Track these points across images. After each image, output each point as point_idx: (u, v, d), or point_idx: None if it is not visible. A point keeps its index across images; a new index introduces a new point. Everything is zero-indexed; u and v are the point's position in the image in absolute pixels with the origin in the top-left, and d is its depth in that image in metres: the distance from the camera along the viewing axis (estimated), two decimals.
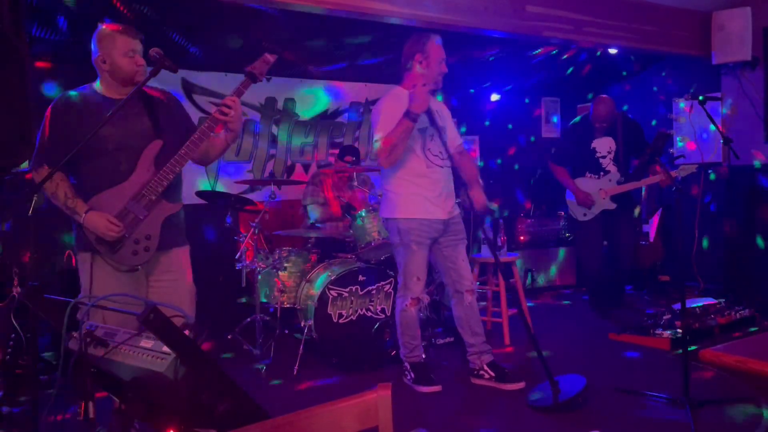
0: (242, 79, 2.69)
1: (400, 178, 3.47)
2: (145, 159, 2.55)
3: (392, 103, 3.40)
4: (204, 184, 5.22)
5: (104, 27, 2.57)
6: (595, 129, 5.03)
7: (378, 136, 3.34)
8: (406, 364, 3.62)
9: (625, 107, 6.58)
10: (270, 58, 2.72)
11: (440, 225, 3.49)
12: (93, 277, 2.53)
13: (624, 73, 6.69)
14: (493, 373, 3.54)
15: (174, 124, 2.69)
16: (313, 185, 4.94)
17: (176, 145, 2.57)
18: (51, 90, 4.59)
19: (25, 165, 2.68)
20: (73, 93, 2.58)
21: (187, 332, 1.59)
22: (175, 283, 2.67)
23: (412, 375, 3.58)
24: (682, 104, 5.98)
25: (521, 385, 3.42)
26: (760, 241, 5.51)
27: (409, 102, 3.21)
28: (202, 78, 5.16)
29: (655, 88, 6.47)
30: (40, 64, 4.57)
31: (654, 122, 6.36)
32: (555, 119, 7.25)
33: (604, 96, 5.04)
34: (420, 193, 3.44)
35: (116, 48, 2.54)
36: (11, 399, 3.23)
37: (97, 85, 2.62)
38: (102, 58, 2.55)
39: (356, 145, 5.88)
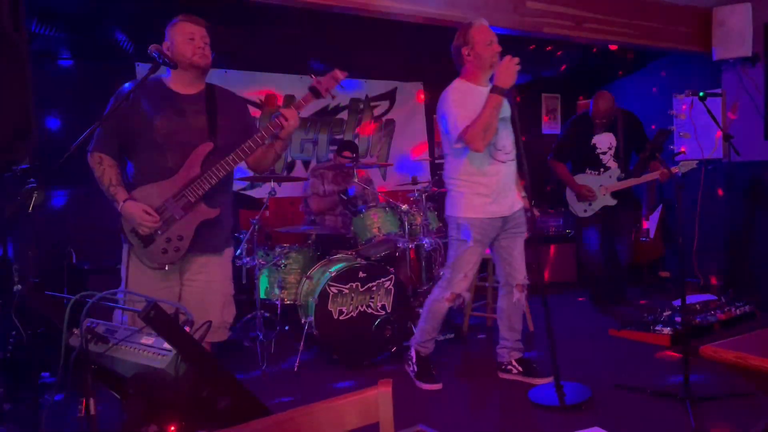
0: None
1: (462, 176, 3.38)
2: (193, 159, 2.54)
3: (457, 94, 3.33)
4: None
5: (175, 19, 2.63)
6: (595, 125, 5.03)
7: (461, 125, 3.21)
8: (413, 352, 3.61)
9: (625, 103, 6.57)
10: (340, 75, 2.69)
11: (500, 222, 3.42)
12: (129, 270, 2.56)
13: (624, 70, 6.68)
14: (521, 368, 3.54)
15: (232, 128, 2.66)
16: (315, 177, 4.95)
17: (229, 150, 2.57)
18: (51, 87, 4.59)
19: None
20: (138, 81, 2.59)
21: (187, 329, 1.60)
22: (208, 284, 2.67)
23: (416, 368, 3.58)
24: (683, 100, 5.97)
25: (549, 379, 3.37)
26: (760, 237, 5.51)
27: (495, 77, 3.12)
28: None
29: (655, 85, 6.46)
30: (39, 60, 4.57)
31: (654, 118, 6.35)
32: (555, 116, 7.25)
33: (604, 92, 5.04)
34: (481, 192, 3.35)
35: (178, 33, 2.59)
36: (12, 396, 3.23)
37: (166, 77, 2.64)
38: (166, 46, 2.60)
39: (356, 141, 5.88)
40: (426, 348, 3.61)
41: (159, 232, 2.50)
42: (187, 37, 2.57)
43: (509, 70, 3.10)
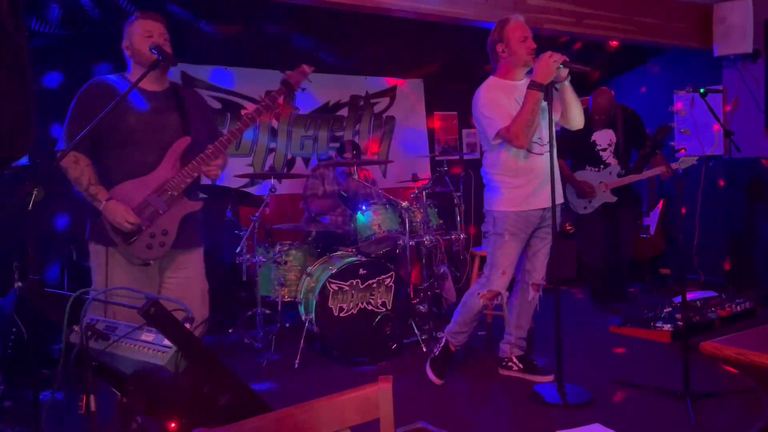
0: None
1: (500, 171, 3.37)
2: (171, 154, 2.56)
3: (490, 92, 3.33)
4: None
5: (132, 16, 2.62)
6: (595, 122, 5.02)
7: (499, 123, 3.21)
8: (443, 341, 3.59)
9: (625, 100, 6.56)
10: (307, 69, 2.72)
11: (539, 214, 3.37)
12: (108, 270, 2.54)
13: (624, 66, 6.66)
14: (521, 365, 3.54)
15: (203, 124, 2.71)
16: (314, 178, 4.94)
17: (203, 144, 2.59)
18: (51, 83, 4.58)
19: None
20: (102, 79, 2.60)
21: (187, 326, 1.60)
22: (187, 280, 2.68)
23: (436, 354, 3.58)
24: (683, 97, 5.96)
25: (550, 378, 3.38)
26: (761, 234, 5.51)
27: (534, 73, 3.12)
28: (202, 71, 5.14)
29: (655, 81, 6.44)
30: (38, 57, 4.56)
31: (654, 115, 6.34)
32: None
33: (603, 88, 5.03)
34: (519, 185, 3.33)
35: (136, 32, 2.58)
36: (13, 393, 3.23)
37: (129, 73, 2.64)
38: (126, 44, 2.60)
39: (356, 139, 5.87)
40: (456, 340, 3.57)
41: (143, 227, 2.50)
42: (145, 35, 2.57)
43: (548, 66, 3.08)
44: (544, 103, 3.27)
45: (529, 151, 3.31)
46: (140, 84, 2.55)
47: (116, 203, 2.46)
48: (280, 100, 2.72)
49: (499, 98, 3.28)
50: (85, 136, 2.44)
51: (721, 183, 5.80)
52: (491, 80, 3.41)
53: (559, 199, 3.39)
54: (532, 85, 3.12)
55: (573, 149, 5.12)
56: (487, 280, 3.42)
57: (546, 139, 3.32)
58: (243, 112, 2.72)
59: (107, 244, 2.53)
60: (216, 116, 2.92)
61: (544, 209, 3.37)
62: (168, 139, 2.57)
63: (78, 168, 2.50)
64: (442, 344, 3.60)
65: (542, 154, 3.34)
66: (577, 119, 3.38)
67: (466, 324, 3.53)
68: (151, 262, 2.57)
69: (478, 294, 3.43)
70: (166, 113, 2.60)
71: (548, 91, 3.17)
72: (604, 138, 5.03)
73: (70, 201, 4.26)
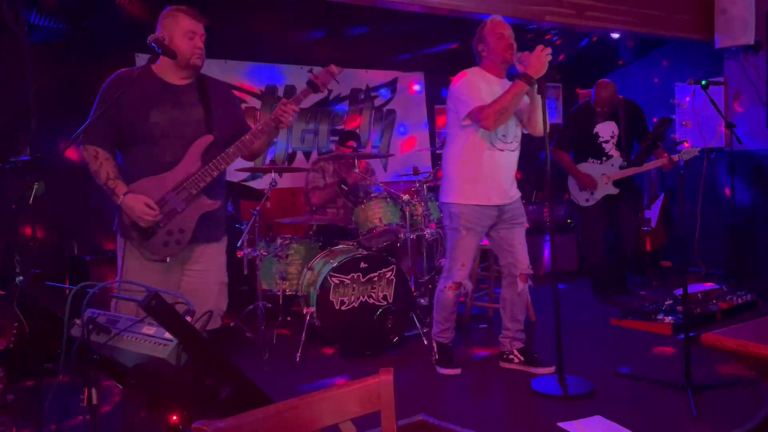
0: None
1: (459, 161, 3.42)
2: (193, 151, 2.51)
3: (471, 77, 3.38)
4: None
5: (171, 8, 2.54)
6: (597, 114, 5.01)
7: (474, 103, 3.24)
8: (434, 343, 3.66)
9: (627, 92, 6.54)
10: (335, 70, 2.68)
11: (495, 211, 3.43)
12: (125, 263, 2.55)
13: (625, 58, 6.64)
14: (522, 358, 3.55)
15: (228, 120, 2.65)
16: (315, 171, 4.94)
17: (226, 141, 2.55)
18: (51, 79, 4.57)
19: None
20: (126, 71, 2.54)
21: (188, 319, 1.59)
22: (206, 274, 2.66)
23: (437, 356, 3.62)
24: (685, 88, 5.94)
25: (551, 369, 3.39)
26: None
27: (526, 65, 3.13)
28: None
29: (657, 73, 6.43)
30: (39, 52, 4.55)
31: (656, 107, 6.33)
32: (557, 105, 7.23)
33: (606, 80, 5.01)
34: (477, 178, 3.37)
35: (178, 27, 2.50)
36: (15, 387, 3.24)
37: (156, 65, 2.56)
38: (162, 36, 2.49)
39: (357, 131, 5.86)
40: (444, 337, 3.63)
41: (160, 224, 2.48)
42: (187, 35, 2.50)
43: (540, 60, 3.09)
44: (524, 106, 3.33)
45: (492, 144, 3.35)
46: (165, 78, 2.53)
47: (134, 197, 2.44)
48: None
49: (478, 83, 3.33)
50: (108, 130, 2.43)
51: (723, 175, 5.78)
52: (475, 68, 3.46)
53: (514, 195, 3.50)
54: (523, 77, 3.13)
55: (575, 141, 5.12)
56: (449, 273, 3.50)
57: (511, 139, 3.40)
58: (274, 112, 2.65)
59: (126, 237, 2.54)
60: (242, 109, 2.85)
61: (499, 206, 3.43)
62: (191, 135, 2.52)
63: (97, 162, 2.48)
64: (436, 347, 3.64)
65: (503, 151, 3.40)
66: (540, 125, 3.38)
67: (447, 320, 3.59)
68: (167, 259, 2.55)
69: (445, 288, 3.51)
70: (189, 108, 2.54)
71: (542, 85, 3.17)
72: (606, 130, 5.02)
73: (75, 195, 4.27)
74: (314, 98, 5.74)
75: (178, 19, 2.51)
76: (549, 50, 3.10)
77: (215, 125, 2.57)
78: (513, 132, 3.42)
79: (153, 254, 2.52)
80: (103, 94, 2.51)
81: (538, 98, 3.27)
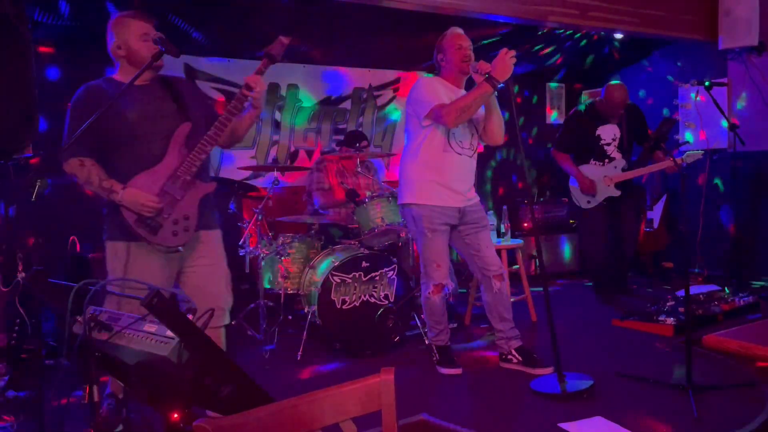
0: (257, 62, 2.71)
1: (417, 163, 3.47)
2: (176, 141, 2.58)
3: (431, 83, 3.47)
4: None
5: (118, 15, 2.60)
6: (607, 116, 4.95)
7: (435, 103, 3.30)
8: (433, 345, 3.67)
9: (630, 93, 6.52)
10: (284, 40, 2.73)
11: (455, 212, 3.48)
12: (129, 266, 2.56)
13: (628, 59, 6.63)
14: (521, 358, 3.55)
15: (198, 106, 2.73)
16: (318, 171, 4.93)
17: (203, 126, 2.62)
18: (54, 75, 4.58)
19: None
20: (92, 84, 2.60)
21: (190, 317, 1.60)
22: (211, 267, 2.73)
23: (437, 357, 3.64)
24: (688, 90, 5.93)
25: (550, 369, 3.39)
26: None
27: (492, 68, 3.14)
28: (205, 63, 5.13)
29: (659, 74, 6.42)
30: (42, 49, 4.56)
31: (659, 108, 6.32)
32: (560, 106, 7.22)
33: (618, 83, 4.91)
34: (434, 179, 3.42)
35: (131, 32, 2.57)
36: (17, 383, 3.25)
37: (116, 74, 2.64)
38: (117, 45, 2.58)
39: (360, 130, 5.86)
40: (441, 340, 3.65)
41: (165, 215, 2.53)
42: (141, 37, 2.57)
43: (505, 63, 3.12)
44: (480, 115, 3.40)
45: (450, 146, 3.42)
46: (123, 81, 2.56)
47: (134, 189, 2.49)
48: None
49: (438, 89, 3.41)
50: (88, 141, 2.46)
51: (726, 176, 5.77)
52: (434, 77, 3.56)
53: (473, 199, 3.55)
54: (489, 79, 3.16)
55: (577, 143, 5.10)
56: (428, 277, 3.54)
57: (467, 145, 3.47)
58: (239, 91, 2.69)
59: (129, 239, 2.55)
60: (209, 97, 2.94)
61: (459, 208, 3.48)
62: (168, 128, 2.58)
63: (84, 169, 2.52)
64: (435, 350, 3.65)
65: (461, 155, 3.46)
66: (496, 132, 3.47)
67: (439, 323, 3.62)
68: (180, 248, 2.60)
69: (429, 294, 3.54)
70: (160, 102, 2.61)
71: (508, 89, 3.20)
72: (608, 132, 5.01)
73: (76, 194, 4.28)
74: (318, 97, 5.77)
75: (128, 24, 2.59)
76: (513, 53, 3.13)
77: (190, 113, 2.64)
78: (469, 140, 3.48)
79: (165, 246, 2.57)
80: (74, 109, 2.55)
81: (496, 107, 3.38)
